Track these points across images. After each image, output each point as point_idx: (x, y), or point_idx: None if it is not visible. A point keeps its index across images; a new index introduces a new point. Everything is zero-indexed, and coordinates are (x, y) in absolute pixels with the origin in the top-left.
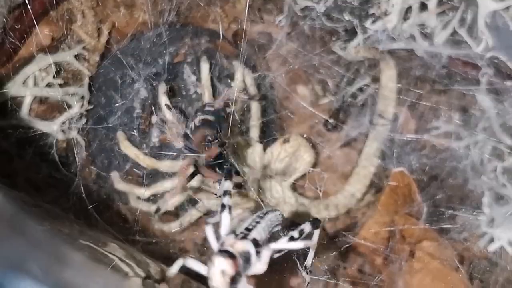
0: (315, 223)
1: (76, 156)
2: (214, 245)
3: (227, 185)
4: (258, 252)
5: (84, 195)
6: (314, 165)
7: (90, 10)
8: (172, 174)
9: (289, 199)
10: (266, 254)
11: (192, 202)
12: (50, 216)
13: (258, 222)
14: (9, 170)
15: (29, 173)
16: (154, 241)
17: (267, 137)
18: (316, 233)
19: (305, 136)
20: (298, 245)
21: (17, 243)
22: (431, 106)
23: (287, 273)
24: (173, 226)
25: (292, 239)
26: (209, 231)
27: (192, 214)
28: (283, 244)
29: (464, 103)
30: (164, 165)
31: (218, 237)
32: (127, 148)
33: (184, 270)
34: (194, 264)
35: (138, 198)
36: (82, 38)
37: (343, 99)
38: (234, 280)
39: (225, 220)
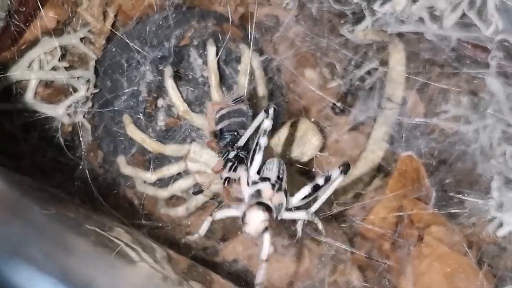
0: (345, 168)
1: (81, 139)
2: (245, 187)
3: (267, 124)
4: (287, 203)
5: (89, 179)
6: (322, 149)
7: None
8: (178, 158)
9: (297, 183)
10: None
11: (199, 186)
12: (56, 200)
13: (284, 170)
14: (14, 154)
15: (35, 156)
16: (159, 225)
17: (273, 121)
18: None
19: (312, 120)
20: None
21: (18, 228)
22: (440, 90)
23: None
24: (179, 211)
25: (317, 187)
26: (243, 175)
27: (198, 198)
28: (303, 193)
29: (473, 86)
30: (170, 149)
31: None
32: (133, 132)
33: (192, 256)
34: (225, 213)
35: (145, 182)
36: (88, 21)
37: (351, 83)
38: (265, 229)
39: (257, 161)
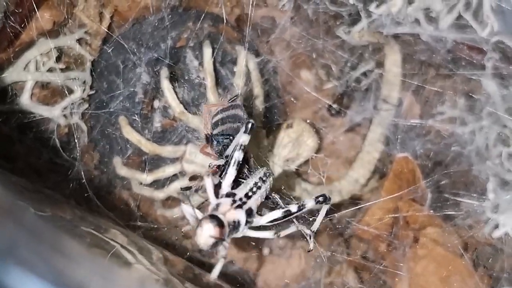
0: (320, 200)
1: (76, 141)
2: (212, 198)
3: (244, 138)
4: (248, 222)
5: (84, 180)
6: (318, 150)
7: None
8: (174, 159)
9: (292, 185)
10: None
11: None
12: (51, 202)
13: (259, 188)
14: (10, 155)
15: (30, 158)
16: (155, 226)
17: (269, 122)
18: (325, 208)
19: (308, 121)
20: (292, 229)
21: (11, 229)
22: (436, 91)
23: None
24: (176, 212)
25: (287, 212)
26: (208, 183)
27: (194, 199)
28: (272, 216)
29: (469, 88)
30: (166, 151)
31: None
32: (129, 133)
33: (188, 258)
34: (189, 210)
35: (141, 183)
36: (84, 22)
37: (347, 84)
38: (215, 244)
39: (230, 176)
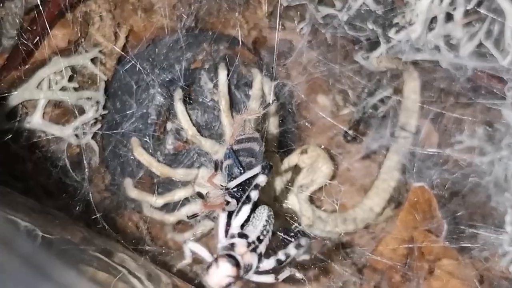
0: (298, 247)
1: (85, 161)
2: (222, 236)
3: (262, 179)
4: (257, 267)
5: (93, 202)
6: (332, 177)
7: (107, 13)
8: (186, 182)
9: (306, 212)
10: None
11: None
12: (59, 224)
13: (268, 232)
14: (20, 174)
15: (40, 177)
16: (164, 251)
17: (284, 147)
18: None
19: (323, 147)
20: (287, 273)
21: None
22: (454, 120)
23: None
24: (186, 236)
25: (279, 262)
26: (222, 219)
27: (206, 224)
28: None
29: (488, 117)
30: (178, 174)
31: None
32: (140, 155)
33: (197, 284)
34: (197, 249)
35: (151, 206)
36: (98, 42)
37: (363, 110)
38: (228, 285)
39: (244, 214)
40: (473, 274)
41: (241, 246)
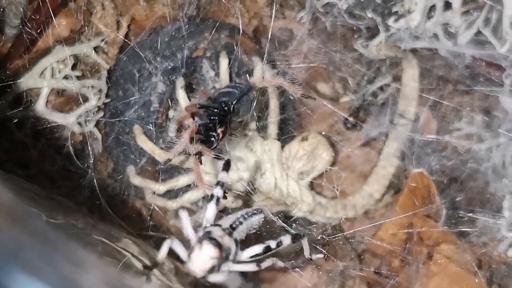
0: (296, 238)
1: (89, 149)
2: (190, 231)
3: (223, 176)
4: (236, 254)
5: (97, 189)
6: (333, 164)
7: (110, 2)
8: (188, 169)
9: (306, 198)
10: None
11: (207, 198)
12: (63, 210)
13: (240, 223)
14: (24, 161)
15: (44, 165)
16: (167, 237)
17: (284, 134)
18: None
19: (324, 134)
20: (269, 262)
21: (17, 234)
22: (453, 107)
23: None
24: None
25: (268, 248)
26: (184, 217)
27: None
28: (253, 251)
29: (487, 104)
30: (180, 161)
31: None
32: (143, 142)
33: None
34: (178, 247)
35: (154, 193)
36: (101, 31)
37: (363, 98)
38: (212, 269)
39: (211, 211)
40: (472, 258)
41: (217, 230)
